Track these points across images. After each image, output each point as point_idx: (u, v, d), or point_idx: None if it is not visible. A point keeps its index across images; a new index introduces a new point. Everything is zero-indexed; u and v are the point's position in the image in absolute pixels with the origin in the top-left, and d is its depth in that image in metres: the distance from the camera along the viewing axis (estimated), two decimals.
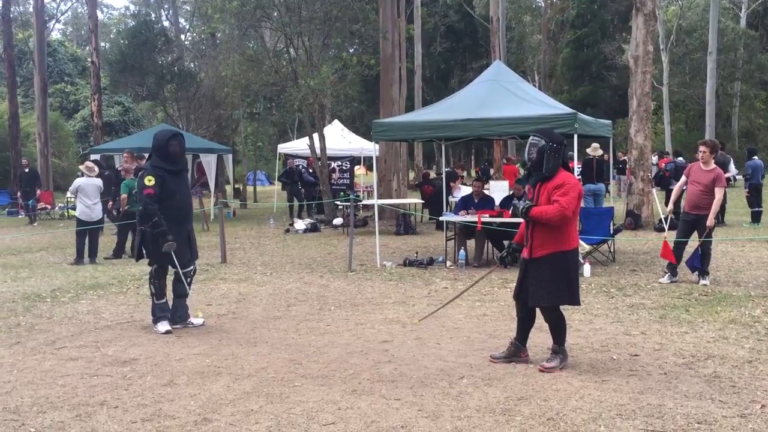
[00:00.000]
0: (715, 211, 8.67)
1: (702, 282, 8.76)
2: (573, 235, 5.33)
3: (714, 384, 4.95)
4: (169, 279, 6.97)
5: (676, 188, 9.43)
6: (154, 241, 6.62)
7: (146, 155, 14.69)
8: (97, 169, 13.10)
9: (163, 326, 6.71)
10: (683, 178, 9.13)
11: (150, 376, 5.33)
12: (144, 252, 6.82)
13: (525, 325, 5.56)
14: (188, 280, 6.99)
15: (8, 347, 6.24)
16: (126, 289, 9.18)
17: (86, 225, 11.54)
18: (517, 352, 5.54)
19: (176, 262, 6.76)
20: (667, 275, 9.06)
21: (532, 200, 5.41)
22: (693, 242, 9.00)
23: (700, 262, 8.82)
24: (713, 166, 8.79)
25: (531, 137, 5.42)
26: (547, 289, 5.27)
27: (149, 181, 6.48)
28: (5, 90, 29.60)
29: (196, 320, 7.03)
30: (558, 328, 5.41)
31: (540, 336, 6.15)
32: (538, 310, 5.47)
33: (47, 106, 27.55)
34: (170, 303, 6.94)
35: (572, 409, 4.50)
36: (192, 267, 7.07)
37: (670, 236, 9.23)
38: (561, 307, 5.44)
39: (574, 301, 5.39)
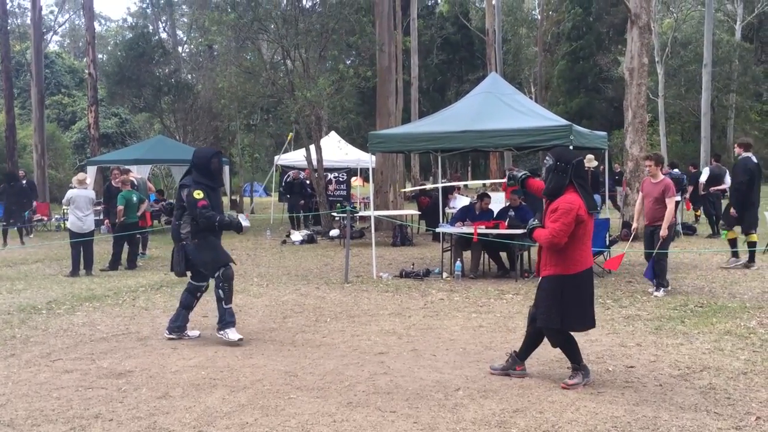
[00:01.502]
0: (667, 221, 8.79)
1: (655, 294, 8.82)
2: (578, 259, 5.18)
3: (709, 396, 4.95)
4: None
5: (637, 204, 9.63)
6: (208, 250, 6.72)
7: (129, 168, 14.96)
8: (89, 180, 13.12)
9: (234, 334, 6.69)
10: (640, 194, 9.40)
11: (145, 388, 5.32)
12: (198, 265, 6.81)
13: (528, 341, 5.51)
14: (199, 294, 7.04)
15: (3, 359, 6.23)
16: (122, 300, 9.16)
17: (78, 237, 11.51)
18: (513, 365, 5.52)
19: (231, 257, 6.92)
20: (661, 289, 9.08)
21: (541, 219, 5.39)
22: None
23: (655, 274, 8.92)
24: (661, 177, 9.05)
25: (545, 157, 5.39)
26: (542, 311, 5.26)
27: (198, 194, 6.58)
28: (2, 101, 29.61)
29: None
30: (564, 349, 5.33)
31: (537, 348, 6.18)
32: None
33: (44, 118, 27.59)
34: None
35: (568, 421, 4.50)
36: (206, 283, 7.04)
37: (629, 249, 9.31)
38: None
39: (567, 326, 5.22)
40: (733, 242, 11.15)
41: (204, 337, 6.99)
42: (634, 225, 9.50)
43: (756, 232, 10.96)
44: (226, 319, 6.73)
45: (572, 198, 5.13)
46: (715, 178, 16.04)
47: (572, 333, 5.34)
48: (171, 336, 6.92)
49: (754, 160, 10.82)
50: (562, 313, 5.16)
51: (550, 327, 5.25)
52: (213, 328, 7.41)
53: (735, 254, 11.23)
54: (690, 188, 17.16)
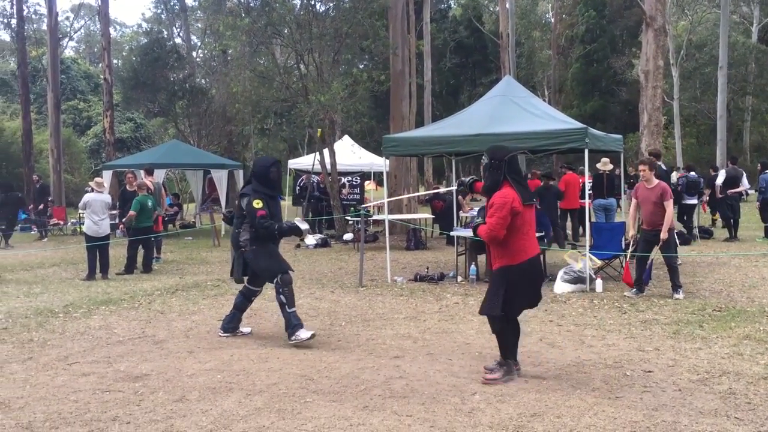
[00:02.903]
0: (668, 223, 8.81)
1: (675, 296, 8.84)
2: (521, 249, 5.37)
3: (729, 401, 4.90)
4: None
5: (630, 211, 9.63)
6: (266, 257, 6.88)
7: (143, 171, 15.13)
8: (106, 185, 13.24)
9: (304, 333, 6.77)
10: (633, 200, 9.43)
11: (162, 391, 5.33)
12: (256, 272, 6.98)
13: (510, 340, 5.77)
14: (253, 298, 7.28)
15: (21, 363, 6.27)
16: (138, 304, 9.20)
17: (94, 240, 11.58)
18: (510, 370, 5.62)
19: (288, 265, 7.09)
20: (633, 290, 9.15)
21: (483, 217, 5.60)
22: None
23: (670, 277, 9.00)
24: (656, 182, 9.05)
25: (482, 157, 5.62)
26: (486, 299, 5.50)
27: (258, 203, 6.75)
28: (19, 107, 29.88)
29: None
30: (499, 338, 5.55)
31: (554, 353, 6.16)
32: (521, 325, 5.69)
33: (60, 123, 27.79)
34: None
35: (586, 426, 4.47)
36: (261, 289, 7.28)
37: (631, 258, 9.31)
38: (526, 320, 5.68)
39: (509, 312, 5.43)
40: None
41: (219, 341, 7.00)
42: (631, 232, 9.46)
43: None
44: (293, 322, 6.82)
45: (506, 192, 5.34)
46: (732, 181, 15.91)
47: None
48: (225, 334, 7.18)
49: (663, 167, 11.96)
50: (505, 300, 5.35)
51: (492, 314, 5.43)
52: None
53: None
54: (708, 191, 17.03)
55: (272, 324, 7.83)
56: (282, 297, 6.83)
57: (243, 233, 6.92)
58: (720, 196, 15.89)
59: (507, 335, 5.51)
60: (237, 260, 7.08)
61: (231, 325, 7.25)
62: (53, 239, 19.82)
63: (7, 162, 29.08)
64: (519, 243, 5.36)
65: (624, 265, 9.74)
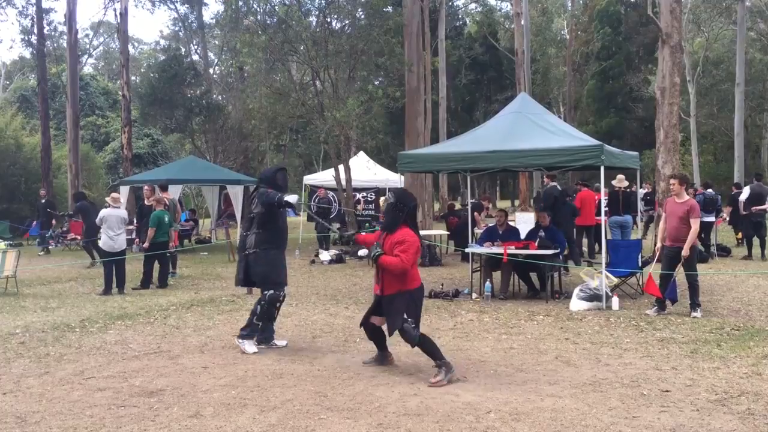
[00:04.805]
0: (690, 241, 8.75)
1: (693, 315, 8.76)
2: (415, 276, 6.15)
3: (748, 421, 4.83)
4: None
5: (660, 224, 9.58)
6: (266, 264, 7.15)
7: (158, 188, 15.04)
8: (123, 200, 13.29)
9: (250, 346, 7.13)
10: (663, 214, 9.39)
11: (176, 407, 5.34)
12: (252, 276, 7.28)
13: (378, 340, 6.57)
14: (278, 305, 7.38)
15: (37, 377, 6.31)
16: (153, 319, 9.24)
17: (110, 255, 11.65)
18: (383, 359, 6.59)
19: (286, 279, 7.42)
20: (654, 308, 9.07)
21: (382, 247, 6.13)
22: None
23: (690, 295, 8.94)
24: (686, 197, 9.04)
25: (387, 193, 5.99)
26: (391, 320, 6.08)
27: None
28: (38, 123, 30.20)
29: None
30: (425, 348, 6.06)
31: (570, 372, 6.12)
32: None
33: (79, 139, 28.02)
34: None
35: None
36: (282, 293, 7.37)
37: (655, 270, 9.19)
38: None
39: (399, 322, 6.00)
40: None
41: (234, 357, 7.01)
42: (658, 245, 9.39)
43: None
44: (250, 329, 7.20)
45: (412, 233, 6.06)
46: (757, 198, 15.67)
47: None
48: (260, 345, 7.35)
49: (559, 188, 13.23)
50: (408, 316, 6.01)
51: (400, 326, 5.99)
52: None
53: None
54: (729, 209, 16.88)
55: (286, 340, 7.83)
56: (258, 307, 7.17)
57: (250, 237, 7.20)
58: (744, 213, 15.68)
59: (428, 342, 6.06)
60: (239, 264, 7.38)
61: (263, 336, 7.41)
62: (70, 254, 19.93)
63: (26, 177, 29.25)
64: (413, 272, 6.12)
65: (647, 277, 9.61)
